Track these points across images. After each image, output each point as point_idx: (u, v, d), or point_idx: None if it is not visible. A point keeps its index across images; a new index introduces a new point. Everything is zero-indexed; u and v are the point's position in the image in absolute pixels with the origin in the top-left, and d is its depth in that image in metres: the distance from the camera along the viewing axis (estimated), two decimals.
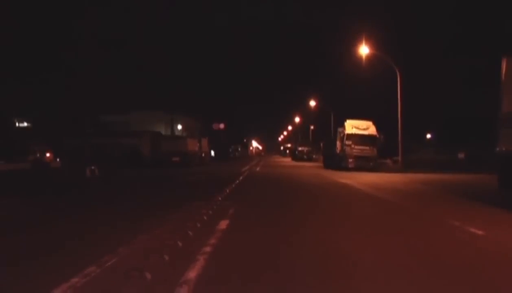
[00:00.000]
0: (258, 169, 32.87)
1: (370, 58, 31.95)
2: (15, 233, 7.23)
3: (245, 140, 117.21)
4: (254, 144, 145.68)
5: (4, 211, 10.12)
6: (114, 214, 9.32)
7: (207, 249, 5.67)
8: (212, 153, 59.07)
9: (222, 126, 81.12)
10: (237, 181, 18.35)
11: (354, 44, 31.83)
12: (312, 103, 63.18)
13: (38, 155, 32.41)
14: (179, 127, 67.52)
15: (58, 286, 4.12)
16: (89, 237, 6.72)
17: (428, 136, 64.31)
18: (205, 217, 8.20)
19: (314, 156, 56.82)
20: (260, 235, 6.87)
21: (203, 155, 46.66)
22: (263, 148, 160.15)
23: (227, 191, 13.87)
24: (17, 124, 59.04)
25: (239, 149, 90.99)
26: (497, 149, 11.94)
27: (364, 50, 30.87)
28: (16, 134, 45.59)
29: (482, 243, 6.40)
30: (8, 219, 8.93)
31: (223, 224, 7.52)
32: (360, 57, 31.67)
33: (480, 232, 7.00)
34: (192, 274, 4.53)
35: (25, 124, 60.80)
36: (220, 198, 11.60)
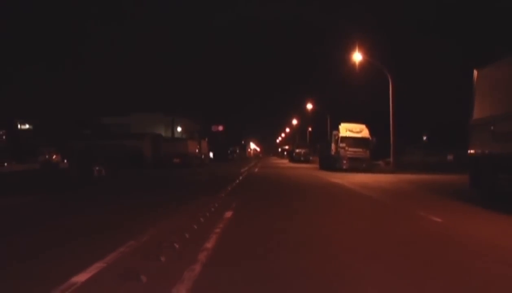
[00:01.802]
0: (256, 170, 34.40)
1: (363, 64, 33.59)
2: (62, 220, 8.75)
3: (243, 142, 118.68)
4: (252, 146, 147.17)
5: (40, 206, 11.62)
6: (132, 207, 10.83)
7: (217, 230, 7.21)
8: (211, 154, 60.46)
9: (220, 128, 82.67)
10: (237, 181, 19.88)
11: (349, 49, 33.44)
12: (309, 106, 64.81)
13: (46, 156, 33.90)
14: (179, 129, 68.93)
15: (110, 253, 5.61)
16: (120, 223, 8.23)
17: (425, 138, 65.98)
18: (212, 209, 9.72)
19: (311, 158, 58.29)
20: (259, 222, 8.42)
21: (202, 156, 48.19)
22: (261, 149, 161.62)
23: (229, 189, 15.41)
24: (19, 126, 60.25)
25: (237, 150, 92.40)
26: (469, 152, 13.50)
27: (357, 57, 32.52)
28: (21, 136, 47.03)
29: (436, 227, 7.98)
30: (49, 211, 10.43)
31: (228, 214, 9.05)
32: (354, 64, 33.35)
33: (438, 220, 8.55)
34: (209, 245, 6.07)
35: (27, 126, 62.10)
36: (223, 195, 13.15)
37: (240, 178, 22.41)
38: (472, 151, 13.27)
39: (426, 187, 17.37)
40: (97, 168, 24.76)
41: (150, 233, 7.00)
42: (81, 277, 4.52)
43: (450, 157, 35.89)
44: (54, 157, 35.32)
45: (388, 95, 31.60)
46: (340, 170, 30.57)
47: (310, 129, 76.93)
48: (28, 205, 11.51)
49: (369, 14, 56.27)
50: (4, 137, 26.50)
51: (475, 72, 13.68)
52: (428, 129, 61.94)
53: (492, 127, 12.14)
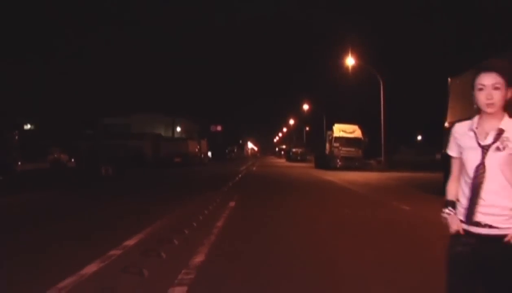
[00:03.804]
0: (254, 168, 36.15)
1: (357, 67, 35.38)
2: (92, 210, 10.46)
3: (241, 142, 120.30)
4: (250, 145, 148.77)
5: (69, 200, 13.33)
6: (148, 200, 12.54)
7: (224, 214, 8.96)
8: (209, 154, 62.04)
9: (219, 128, 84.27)
10: (237, 178, 21.63)
11: (344, 52, 35.22)
12: (306, 106, 66.59)
13: (55, 155, 35.52)
14: (178, 129, 70.41)
15: (144, 229, 7.31)
16: (143, 212, 9.93)
17: (419, 137, 67.74)
18: (217, 200, 11.46)
19: (307, 157, 59.89)
20: (257, 209, 10.19)
21: (202, 156, 49.88)
22: (258, 149, 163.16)
23: (230, 185, 17.16)
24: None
25: (235, 150, 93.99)
26: (443, 151, 15.25)
27: (350, 61, 34.37)
28: (24, 136, 48.42)
29: (402, 212, 9.78)
30: (80, 203, 12.14)
31: (232, 204, 10.81)
32: (347, 67, 35.18)
33: (407, 208, 10.32)
34: (219, 223, 7.82)
35: (28, 126, 63.39)
36: (225, 189, 14.91)
37: (240, 176, 24.14)
38: (446, 151, 15.01)
39: (409, 183, 19.13)
40: (103, 167, 26.32)
41: (170, 217, 8.73)
42: (130, 242, 6.25)
43: (438, 156, 37.66)
44: (61, 156, 36.90)
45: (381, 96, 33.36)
46: (334, 168, 32.29)
47: (307, 128, 78.62)
48: (62, 198, 13.25)
49: (362, 16, 57.92)
50: (16, 137, 27.97)
51: (449, 80, 15.44)
52: (423, 128, 63.69)
53: None
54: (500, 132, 2.21)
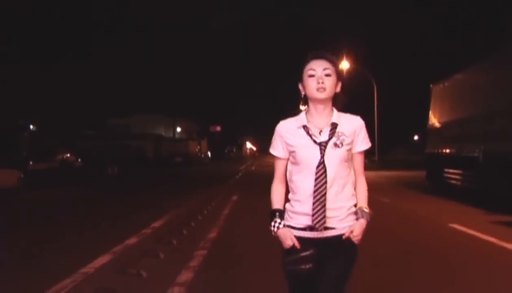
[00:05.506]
0: (253, 168, 37.66)
1: (352, 70, 36.95)
2: (113, 203, 12.00)
3: (239, 142, 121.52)
4: (249, 145, 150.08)
5: (90, 195, 14.86)
6: (158, 195, 14.08)
7: (229, 206, 10.56)
8: (209, 154, 63.47)
9: (218, 128, 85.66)
10: (237, 177, 23.17)
11: (339, 54, 36.78)
12: (303, 108, 68.00)
13: (63, 156, 36.93)
14: (178, 129, 71.71)
15: (162, 217, 8.85)
16: (156, 204, 11.48)
17: (416, 138, 69.26)
18: (221, 195, 13.03)
19: None
20: (255, 201, 11.69)
21: (203, 156, 51.37)
22: (257, 149, 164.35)
23: (231, 182, 18.71)
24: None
25: (234, 150, 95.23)
26: (425, 151, 16.79)
27: (345, 64, 35.90)
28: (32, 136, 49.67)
29: (380, 204, 11.26)
30: (100, 198, 13.68)
31: (234, 198, 12.39)
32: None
33: (386, 200, 11.84)
34: (225, 212, 9.41)
35: (31, 126, 64.32)
36: (228, 186, 16.49)
37: (240, 174, 25.69)
38: (427, 151, 16.54)
39: (396, 180, 20.67)
40: (110, 167, 27.76)
41: (181, 209, 10.27)
42: (156, 224, 7.82)
43: None
44: (68, 156, 38.25)
45: (378, 97, 34.97)
46: None
47: None
48: (83, 193, 14.83)
49: (360, 16, 59.34)
50: (27, 138, 29.47)
51: (431, 86, 16.95)
52: (417, 129, 65.15)
53: (440, 132, 15.43)
54: (334, 126, 2.10)
